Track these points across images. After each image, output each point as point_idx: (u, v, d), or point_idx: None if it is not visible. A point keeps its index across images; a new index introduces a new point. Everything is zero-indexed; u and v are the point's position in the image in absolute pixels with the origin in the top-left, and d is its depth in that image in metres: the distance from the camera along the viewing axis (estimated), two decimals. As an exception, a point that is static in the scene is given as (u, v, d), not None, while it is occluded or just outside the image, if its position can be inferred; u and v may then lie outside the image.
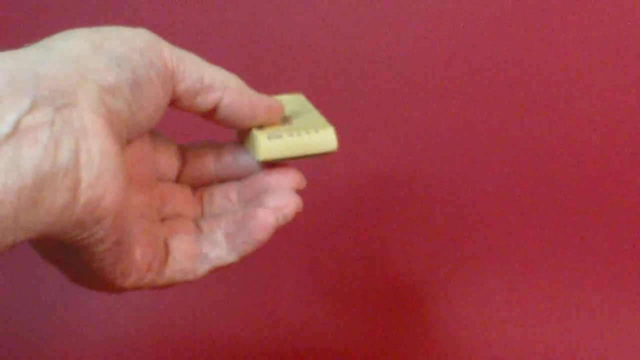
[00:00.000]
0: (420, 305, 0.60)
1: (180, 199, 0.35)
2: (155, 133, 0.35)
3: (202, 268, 0.33)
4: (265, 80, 0.61)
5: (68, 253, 0.29)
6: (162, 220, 0.34)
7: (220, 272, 0.62)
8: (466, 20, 0.60)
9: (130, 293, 0.61)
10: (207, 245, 0.33)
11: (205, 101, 0.32)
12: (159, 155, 0.35)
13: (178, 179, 0.36)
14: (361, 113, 0.61)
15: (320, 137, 0.34)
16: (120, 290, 0.31)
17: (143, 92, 0.29)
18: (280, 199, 0.33)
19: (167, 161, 0.35)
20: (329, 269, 0.61)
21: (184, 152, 0.36)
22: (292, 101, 0.38)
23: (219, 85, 0.32)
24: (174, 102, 0.32)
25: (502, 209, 0.61)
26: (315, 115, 0.36)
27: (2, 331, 0.58)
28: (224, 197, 0.35)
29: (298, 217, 0.62)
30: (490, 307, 0.60)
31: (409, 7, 0.60)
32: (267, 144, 0.33)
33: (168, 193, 0.35)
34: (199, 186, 0.36)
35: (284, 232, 0.62)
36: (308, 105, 0.37)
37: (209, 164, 0.36)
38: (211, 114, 0.33)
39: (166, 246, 0.32)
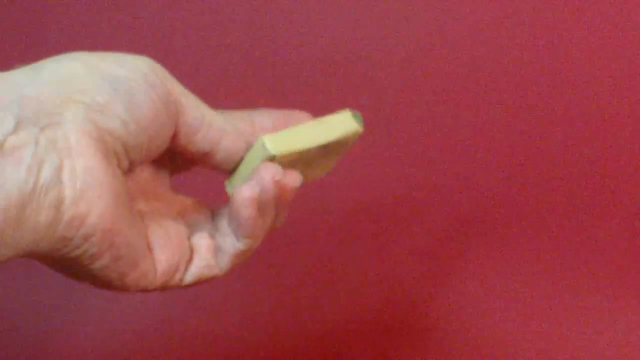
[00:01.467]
0: (423, 307, 0.60)
1: (201, 212, 0.35)
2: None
3: (223, 260, 0.33)
4: (267, 81, 0.61)
5: (70, 270, 0.29)
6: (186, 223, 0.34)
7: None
8: (469, 22, 0.60)
9: (131, 293, 0.61)
10: (219, 237, 0.33)
11: (205, 140, 0.31)
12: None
13: None
14: (367, 115, 0.61)
15: (336, 120, 0.33)
16: (148, 291, 0.31)
17: (142, 112, 0.29)
18: (259, 174, 0.32)
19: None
20: (332, 270, 0.61)
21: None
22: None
23: (218, 125, 0.31)
24: (173, 137, 0.31)
25: (504, 210, 0.61)
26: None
27: (2, 331, 0.59)
28: None
29: (300, 219, 0.62)
30: (492, 307, 0.60)
31: (411, 9, 0.60)
32: (275, 137, 0.32)
33: (185, 203, 0.35)
34: None
35: (289, 234, 0.62)
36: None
37: None
38: (207, 157, 0.32)
39: (190, 245, 0.33)
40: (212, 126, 0.31)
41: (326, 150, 0.34)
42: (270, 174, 0.31)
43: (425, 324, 0.59)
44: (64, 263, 0.28)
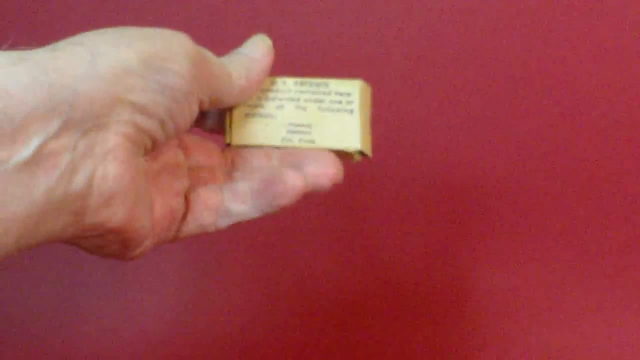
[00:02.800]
0: (418, 305, 0.60)
1: (206, 152, 0.34)
2: None
3: (223, 222, 0.32)
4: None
5: (75, 245, 0.29)
6: (188, 169, 0.33)
7: (221, 269, 0.61)
8: (468, 20, 0.60)
9: (131, 292, 0.60)
10: (229, 198, 0.32)
11: (226, 103, 0.32)
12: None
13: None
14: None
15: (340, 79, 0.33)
16: (140, 257, 0.31)
17: (178, 111, 0.28)
18: (321, 165, 0.32)
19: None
20: (330, 265, 0.61)
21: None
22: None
23: (238, 90, 0.31)
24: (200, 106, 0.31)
25: (503, 207, 0.61)
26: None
27: (2, 331, 0.58)
28: (263, 156, 0.34)
29: (302, 213, 0.62)
30: (491, 304, 0.60)
31: (410, 7, 0.60)
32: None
33: (194, 146, 0.34)
34: None
35: (288, 229, 0.62)
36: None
37: None
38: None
39: (187, 201, 0.32)
40: (234, 91, 0.31)
41: (320, 93, 0.34)
42: (335, 174, 0.32)
43: (426, 322, 0.59)
44: (71, 243, 0.28)
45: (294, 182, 0.31)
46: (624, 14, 0.58)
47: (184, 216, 0.31)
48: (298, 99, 0.33)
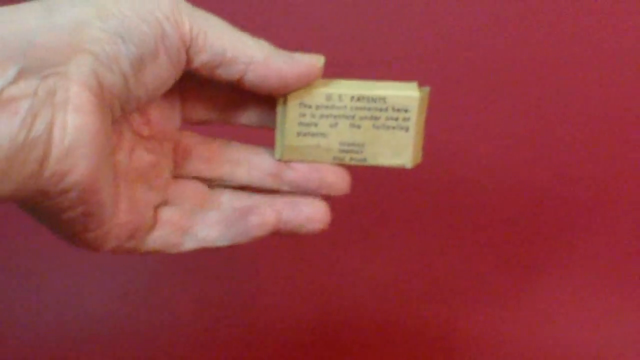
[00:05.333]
0: (421, 313, 0.59)
1: (203, 158, 0.34)
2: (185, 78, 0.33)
3: (188, 245, 0.32)
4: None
5: (36, 215, 0.28)
6: (175, 177, 0.33)
7: (220, 267, 0.61)
8: (470, 20, 0.60)
9: (128, 290, 0.60)
10: (199, 222, 0.32)
11: (227, 73, 0.30)
12: (188, 99, 0.33)
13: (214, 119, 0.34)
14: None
15: (393, 84, 0.32)
16: (99, 251, 0.30)
17: (146, 68, 0.28)
18: (311, 210, 0.32)
19: (196, 104, 0.33)
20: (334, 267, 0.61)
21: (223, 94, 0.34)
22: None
23: (243, 59, 0.29)
24: (193, 71, 0.30)
25: (509, 211, 0.60)
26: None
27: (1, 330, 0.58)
28: (261, 165, 0.34)
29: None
30: (499, 308, 0.59)
31: (412, 7, 0.60)
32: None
33: (193, 147, 0.33)
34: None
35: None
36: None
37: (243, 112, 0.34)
38: (235, 85, 0.31)
39: (156, 215, 0.32)
40: (236, 59, 0.29)
41: (376, 110, 0.32)
42: (323, 224, 0.32)
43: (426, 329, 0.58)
44: (34, 208, 0.28)
45: (269, 218, 0.31)
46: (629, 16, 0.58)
47: (150, 229, 0.31)
48: (353, 117, 0.32)
